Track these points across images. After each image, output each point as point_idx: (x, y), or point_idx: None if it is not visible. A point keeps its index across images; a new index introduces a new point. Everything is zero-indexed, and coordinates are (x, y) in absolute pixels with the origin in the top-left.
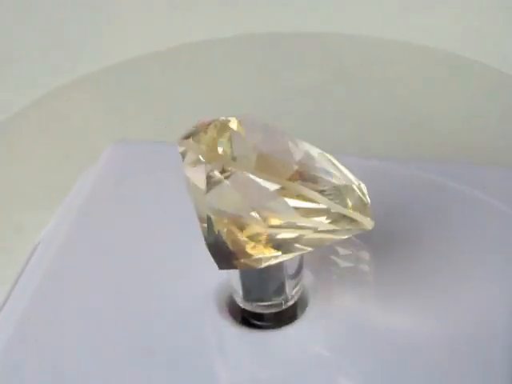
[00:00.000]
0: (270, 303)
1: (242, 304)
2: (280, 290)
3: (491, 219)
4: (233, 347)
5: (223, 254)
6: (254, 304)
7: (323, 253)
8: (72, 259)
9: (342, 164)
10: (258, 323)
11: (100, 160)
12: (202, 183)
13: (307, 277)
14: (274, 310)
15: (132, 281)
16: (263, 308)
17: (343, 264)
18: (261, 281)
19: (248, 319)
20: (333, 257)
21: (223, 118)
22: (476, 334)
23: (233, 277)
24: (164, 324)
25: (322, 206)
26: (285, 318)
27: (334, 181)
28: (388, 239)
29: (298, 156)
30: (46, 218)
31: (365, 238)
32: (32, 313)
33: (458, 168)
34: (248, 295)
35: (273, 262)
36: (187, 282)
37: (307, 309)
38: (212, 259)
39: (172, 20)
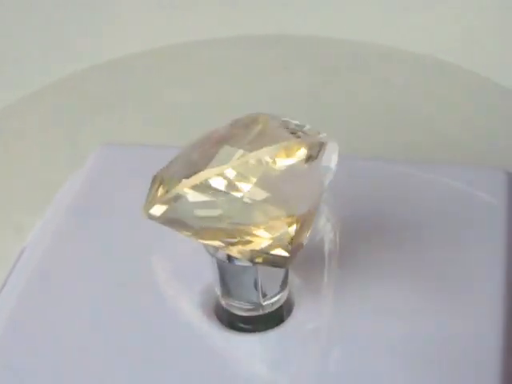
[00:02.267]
0: (278, 298)
1: (228, 307)
2: (286, 281)
3: (485, 217)
4: (220, 351)
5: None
6: (267, 302)
7: (308, 256)
8: (59, 262)
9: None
10: (245, 327)
11: (87, 163)
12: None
13: (293, 280)
14: (277, 306)
15: (118, 284)
16: (270, 306)
17: (329, 266)
18: (275, 275)
19: (235, 323)
20: (318, 259)
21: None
22: (467, 334)
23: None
24: (151, 328)
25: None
26: (271, 321)
27: None
28: (377, 241)
29: None
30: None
31: (355, 238)
32: (19, 315)
33: (446, 168)
34: (265, 296)
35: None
36: (174, 286)
37: (293, 312)
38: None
39: (171, 19)
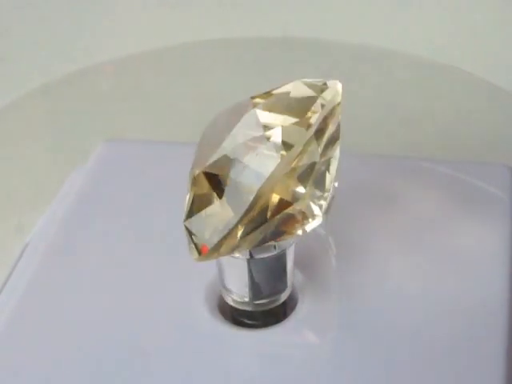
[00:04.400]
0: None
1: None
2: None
3: (490, 212)
4: (224, 346)
5: None
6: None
7: (312, 252)
8: (61, 259)
9: None
10: (249, 322)
11: (90, 159)
12: None
13: (296, 276)
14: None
15: (121, 281)
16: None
17: (332, 263)
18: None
19: (238, 319)
20: (322, 256)
21: None
22: (471, 330)
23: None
24: (155, 324)
25: None
26: (275, 316)
27: None
28: (381, 237)
29: None
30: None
31: (359, 235)
32: (20, 314)
33: (452, 164)
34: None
35: None
36: (177, 282)
37: (297, 307)
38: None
39: (172, 20)
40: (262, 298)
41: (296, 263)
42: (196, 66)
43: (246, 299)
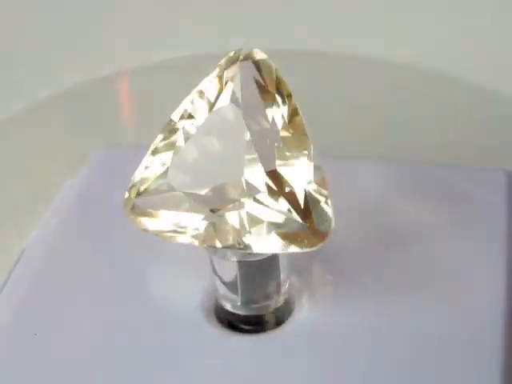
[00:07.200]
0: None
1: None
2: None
3: (485, 217)
4: (220, 352)
5: None
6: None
7: (308, 257)
8: (59, 263)
9: None
10: (246, 328)
11: (87, 164)
12: None
13: (293, 281)
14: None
15: (118, 287)
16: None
17: (329, 268)
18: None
19: (235, 324)
20: (319, 261)
21: None
22: (467, 334)
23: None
24: (150, 330)
25: None
26: (271, 322)
27: None
28: (376, 241)
29: None
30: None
31: (354, 239)
32: (20, 316)
33: (446, 168)
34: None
35: None
36: (173, 287)
37: (293, 313)
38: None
39: (172, 34)
40: (253, 302)
41: (293, 268)
42: (194, 78)
43: (272, 301)
